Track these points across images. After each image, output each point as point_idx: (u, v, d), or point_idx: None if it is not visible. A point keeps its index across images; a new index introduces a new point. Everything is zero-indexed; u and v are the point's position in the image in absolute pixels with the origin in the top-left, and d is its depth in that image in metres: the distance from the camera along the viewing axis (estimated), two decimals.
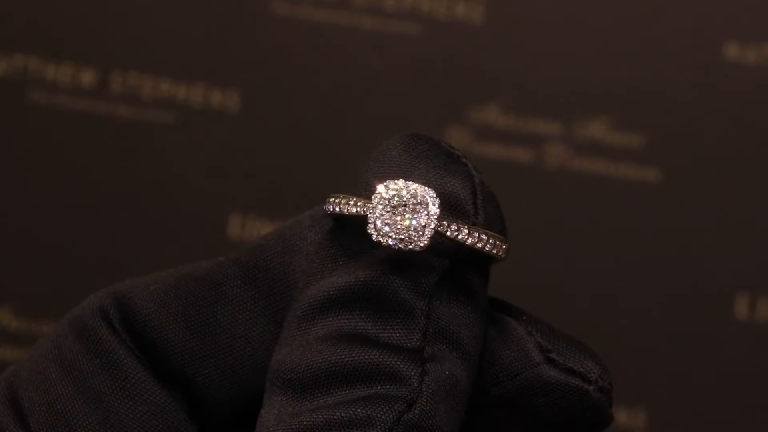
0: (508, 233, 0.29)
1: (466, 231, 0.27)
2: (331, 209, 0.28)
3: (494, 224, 0.28)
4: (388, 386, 0.26)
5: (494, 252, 0.28)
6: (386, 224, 0.27)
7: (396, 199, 0.27)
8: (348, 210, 0.28)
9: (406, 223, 0.27)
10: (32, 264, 0.73)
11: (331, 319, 0.26)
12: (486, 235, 0.27)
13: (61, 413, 0.27)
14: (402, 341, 0.26)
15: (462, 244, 0.27)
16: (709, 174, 0.70)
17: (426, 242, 0.27)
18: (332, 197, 0.28)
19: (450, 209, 0.27)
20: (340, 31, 0.72)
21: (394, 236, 0.27)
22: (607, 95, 0.71)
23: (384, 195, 0.27)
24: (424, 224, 0.27)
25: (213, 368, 0.28)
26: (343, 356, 0.26)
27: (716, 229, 0.70)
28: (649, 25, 0.71)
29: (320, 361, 0.26)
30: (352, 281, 0.27)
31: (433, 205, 0.27)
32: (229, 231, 0.72)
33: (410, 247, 0.27)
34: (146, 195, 0.72)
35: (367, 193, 0.28)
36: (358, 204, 0.27)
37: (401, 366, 0.26)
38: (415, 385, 0.26)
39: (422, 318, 0.26)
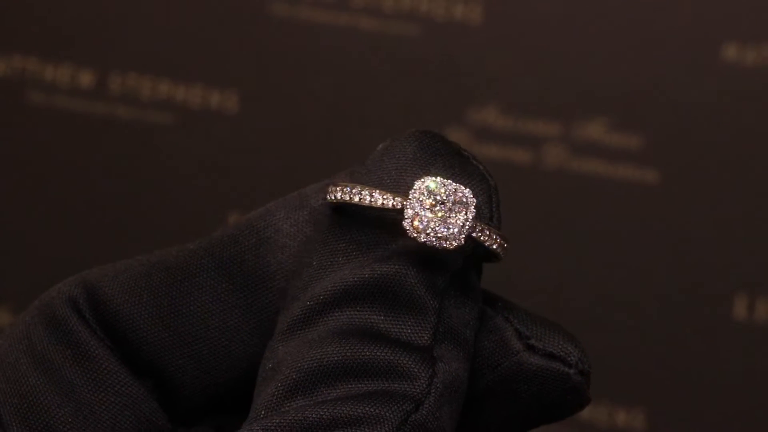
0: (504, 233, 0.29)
1: (488, 233, 0.27)
2: (348, 198, 0.27)
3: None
4: (396, 384, 0.25)
5: (501, 253, 0.28)
6: (424, 221, 0.27)
7: (435, 196, 0.27)
8: (374, 202, 0.27)
9: (450, 221, 0.27)
10: (31, 264, 0.73)
11: (342, 312, 0.26)
12: (499, 237, 0.28)
13: (33, 404, 0.27)
14: (413, 339, 0.26)
15: (480, 245, 0.27)
16: (707, 175, 0.70)
17: (461, 242, 0.27)
18: (347, 186, 0.28)
19: None
20: (339, 32, 0.72)
21: (431, 234, 0.27)
22: (606, 96, 0.71)
23: (423, 191, 0.27)
24: (461, 224, 0.27)
25: (185, 358, 0.28)
26: (354, 351, 0.26)
27: (715, 229, 0.70)
28: (648, 26, 0.71)
29: (330, 353, 0.26)
30: (368, 275, 0.26)
31: (473, 205, 0.27)
32: None
33: (444, 245, 0.27)
34: (145, 195, 0.72)
35: (393, 187, 0.28)
36: (385, 197, 0.27)
37: (412, 365, 0.26)
38: (424, 385, 0.26)
39: (434, 316, 0.26)
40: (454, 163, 0.28)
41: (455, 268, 0.27)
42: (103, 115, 0.73)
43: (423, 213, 0.27)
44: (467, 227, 0.27)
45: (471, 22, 0.72)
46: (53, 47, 0.73)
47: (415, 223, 0.27)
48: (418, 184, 0.27)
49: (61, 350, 0.28)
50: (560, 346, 0.28)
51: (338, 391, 0.25)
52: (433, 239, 0.27)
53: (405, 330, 0.26)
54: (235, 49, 0.72)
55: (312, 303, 0.27)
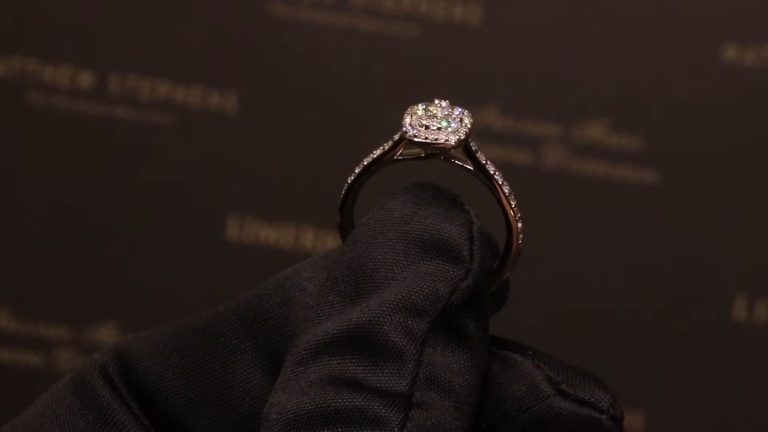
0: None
1: (489, 160, 0.28)
2: (352, 179, 0.28)
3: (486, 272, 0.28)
4: (368, 430, 0.25)
5: (512, 203, 0.28)
6: (423, 120, 0.28)
7: (432, 109, 0.28)
8: (384, 146, 0.28)
9: (442, 123, 0.28)
10: (31, 265, 0.73)
11: (322, 363, 0.26)
12: (509, 189, 0.28)
13: None
14: (390, 385, 0.26)
15: (486, 173, 0.28)
16: (707, 176, 0.70)
17: (458, 138, 0.27)
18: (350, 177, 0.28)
19: (444, 254, 0.27)
20: (339, 33, 0.72)
21: (425, 130, 0.28)
22: (606, 97, 0.71)
23: (420, 106, 0.28)
24: (457, 127, 0.28)
25: (210, 419, 0.29)
26: (328, 399, 0.26)
27: (714, 230, 0.70)
28: (648, 26, 0.71)
29: (306, 402, 0.26)
30: (345, 325, 0.27)
31: (469, 117, 0.28)
32: (227, 233, 0.72)
33: (439, 141, 0.27)
34: (144, 196, 0.72)
35: (379, 242, 0.28)
36: (391, 140, 0.28)
37: (383, 410, 0.26)
38: (396, 430, 0.25)
39: (412, 363, 0.26)
40: (439, 210, 0.28)
41: (435, 313, 0.27)
42: (103, 116, 0.73)
43: (419, 118, 0.28)
44: (463, 130, 0.28)
45: (471, 23, 0.72)
46: (53, 48, 0.73)
47: (415, 123, 0.28)
48: (417, 105, 0.28)
49: (84, 416, 0.28)
50: (592, 392, 0.28)
51: None
52: (433, 135, 0.27)
53: (382, 378, 0.26)
54: (235, 50, 0.72)
55: (297, 357, 0.27)
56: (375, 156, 0.28)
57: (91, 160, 0.72)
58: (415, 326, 0.26)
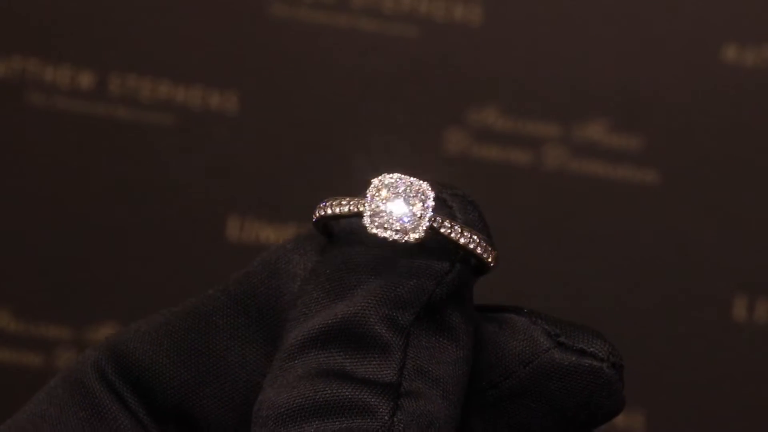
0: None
1: (459, 229, 0.27)
2: (322, 213, 0.28)
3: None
4: (359, 420, 0.26)
5: (485, 256, 0.27)
6: (381, 215, 0.27)
7: (392, 189, 0.27)
8: (341, 210, 0.27)
9: (402, 211, 0.27)
10: (31, 266, 0.73)
11: (310, 357, 0.27)
12: (477, 236, 0.27)
13: None
14: (377, 376, 0.26)
15: (454, 243, 0.27)
16: (707, 176, 0.70)
17: (422, 234, 0.27)
18: (322, 202, 0.28)
19: (429, 251, 0.27)
20: (339, 33, 0.72)
21: (388, 227, 0.27)
22: (606, 97, 0.71)
23: (379, 186, 0.27)
24: (419, 215, 0.27)
25: (210, 398, 0.29)
26: (318, 391, 0.26)
27: (714, 230, 0.70)
28: (648, 27, 0.71)
29: (296, 395, 0.26)
30: (331, 319, 0.27)
31: (430, 196, 0.27)
32: (227, 233, 0.72)
33: (406, 239, 0.27)
34: (145, 197, 0.72)
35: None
36: (351, 202, 0.27)
37: (373, 400, 0.26)
38: (386, 419, 0.26)
39: (399, 353, 0.27)
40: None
41: (420, 305, 0.27)
42: (103, 116, 0.73)
43: (379, 208, 0.27)
44: (426, 220, 0.27)
45: (471, 23, 0.72)
46: (53, 48, 0.73)
47: (374, 219, 0.27)
48: (374, 181, 0.27)
49: (75, 411, 0.28)
50: (590, 343, 0.28)
51: (306, 430, 0.26)
52: (393, 234, 0.27)
53: (369, 368, 0.26)
54: (235, 50, 0.72)
55: (284, 354, 0.27)
56: (339, 215, 0.28)
57: (92, 160, 0.72)
58: (400, 318, 0.27)
